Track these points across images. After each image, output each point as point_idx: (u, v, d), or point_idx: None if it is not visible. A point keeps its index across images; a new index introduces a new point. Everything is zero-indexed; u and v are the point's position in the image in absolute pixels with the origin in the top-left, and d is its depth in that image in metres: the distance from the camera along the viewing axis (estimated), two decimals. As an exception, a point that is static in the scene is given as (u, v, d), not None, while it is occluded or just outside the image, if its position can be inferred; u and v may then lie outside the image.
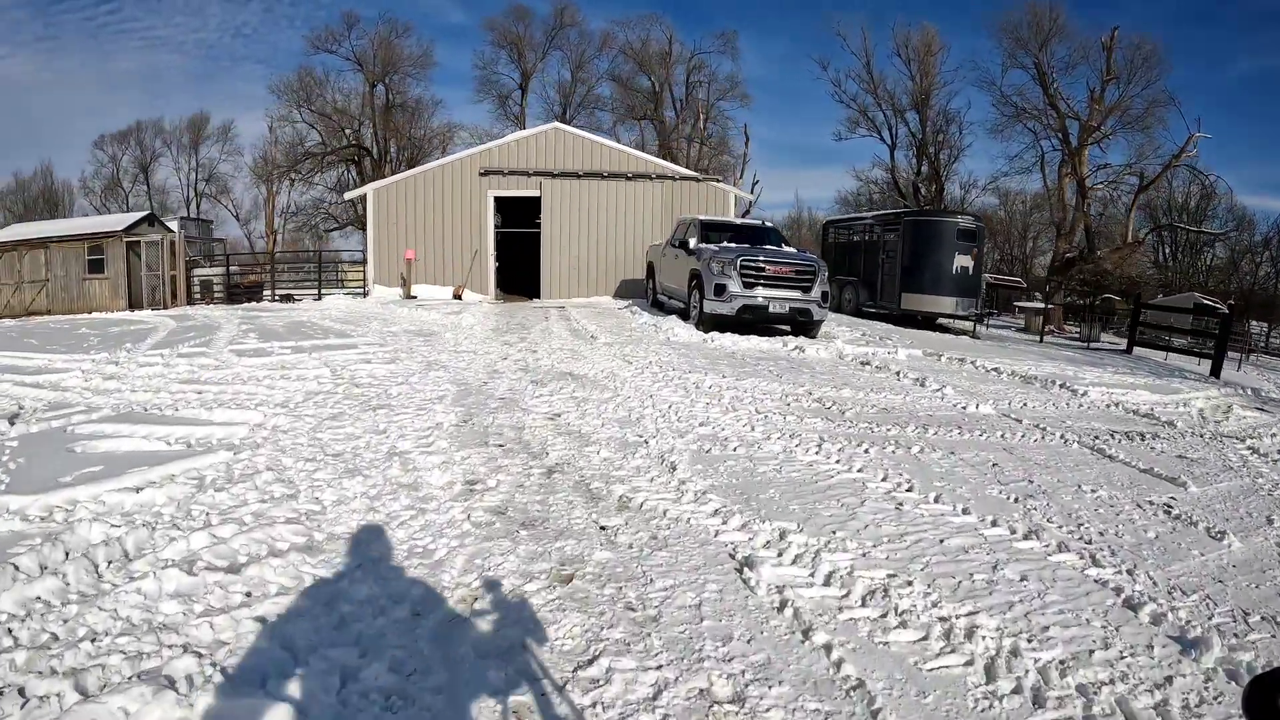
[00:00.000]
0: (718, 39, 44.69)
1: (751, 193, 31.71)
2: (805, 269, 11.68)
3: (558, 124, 19.19)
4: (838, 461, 4.85)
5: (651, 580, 3.09)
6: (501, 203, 19.16)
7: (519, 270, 21.36)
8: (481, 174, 18.20)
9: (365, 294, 18.09)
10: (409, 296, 17.03)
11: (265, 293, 19.12)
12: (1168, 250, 38.37)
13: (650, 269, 15.64)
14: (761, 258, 11.53)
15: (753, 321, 11.56)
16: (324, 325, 11.35)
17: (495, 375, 7.40)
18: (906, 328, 15.42)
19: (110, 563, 3.02)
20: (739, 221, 13.93)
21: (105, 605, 2.64)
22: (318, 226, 38.31)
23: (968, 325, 17.80)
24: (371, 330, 10.88)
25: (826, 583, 3.10)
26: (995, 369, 9.37)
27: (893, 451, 5.18)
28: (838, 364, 9.19)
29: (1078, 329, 20.98)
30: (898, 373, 8.53)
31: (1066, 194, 35.21)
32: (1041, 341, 17.78)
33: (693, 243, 12.53)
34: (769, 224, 14.17)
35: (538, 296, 18.69)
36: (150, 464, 4.21)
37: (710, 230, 12.97)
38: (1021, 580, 3.23)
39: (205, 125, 46.08)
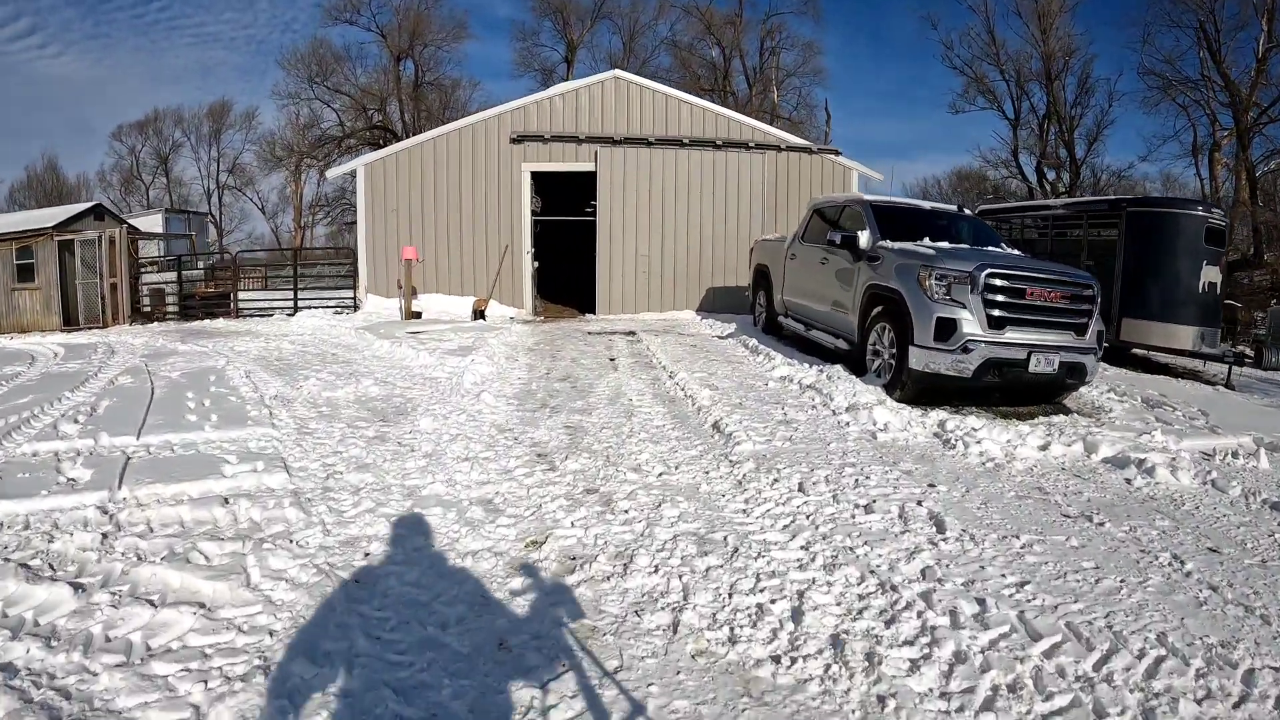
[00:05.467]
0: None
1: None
2: (1082, 291, 6.41)
3: (619, 72, 13.93)
4: None
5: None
6: (542, 180, 14.07)
7: (566, 272, 16.35)
8: (514, 141, 13.11)
9: (355, 307, 13.24)
10: (411, 314, 12.08)
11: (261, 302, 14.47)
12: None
13: (762, 276, 10.39)
14: (1019, 270, 6.26)
15: (997, 387, 6.31)
16: (233, 384, 6.46)
17: None
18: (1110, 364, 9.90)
19: None
20: (928, 206, 8.62)
21: None
22: (337, 219, 34.01)
23: (1177, 359, 12.15)
24: (299, 400, 5.94)
25: None
26: None
27: None
28: (1249, 519, 3.92)
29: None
30: None
31: (1220, 182, 28.93)
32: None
33: (864, 239, 7.30)
34: (965, 210, 8.82)
35: (591, 311, 13.59)
36: None
37: (884, 219, 7.70)
38: None
39: (227, 113, 42.30)
